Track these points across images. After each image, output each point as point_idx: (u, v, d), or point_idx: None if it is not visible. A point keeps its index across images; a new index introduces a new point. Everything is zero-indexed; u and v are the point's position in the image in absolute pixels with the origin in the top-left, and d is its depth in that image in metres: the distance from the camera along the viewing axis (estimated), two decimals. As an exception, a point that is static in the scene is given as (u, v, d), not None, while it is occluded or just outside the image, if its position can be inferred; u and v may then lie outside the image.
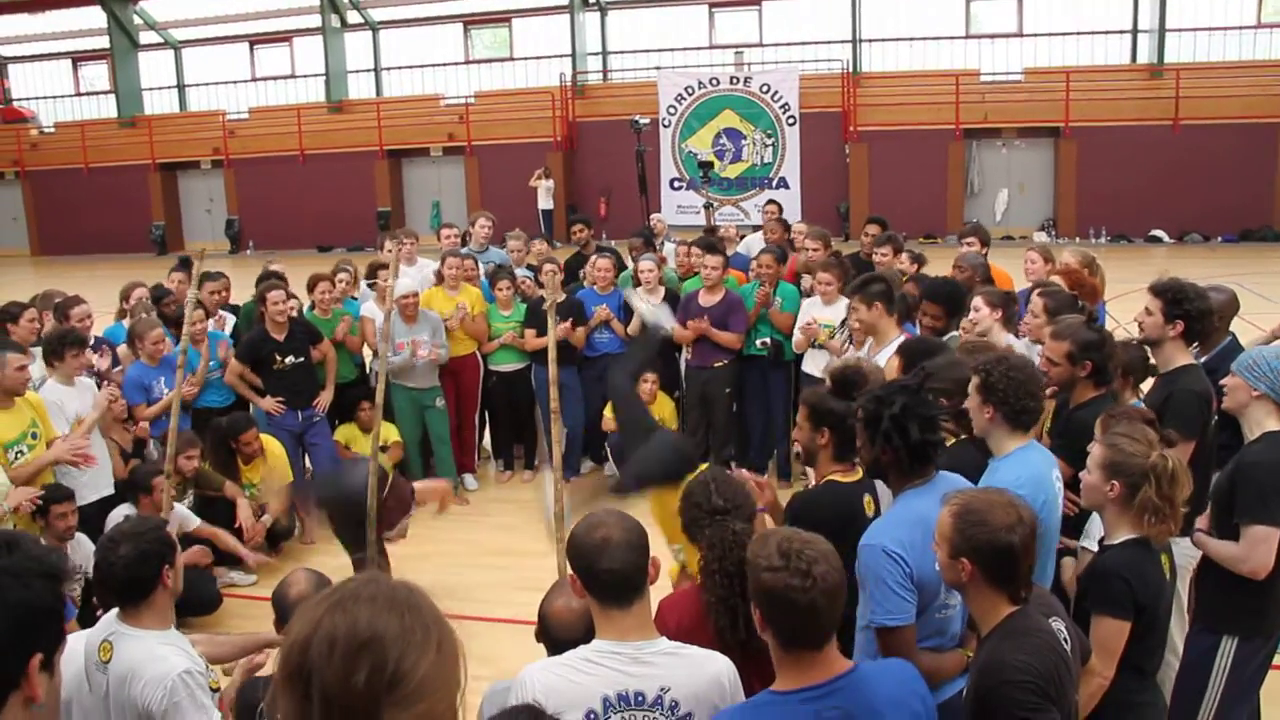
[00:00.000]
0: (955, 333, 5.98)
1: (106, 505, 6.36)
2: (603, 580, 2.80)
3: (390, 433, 8.47)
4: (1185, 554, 4.10)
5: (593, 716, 2.70)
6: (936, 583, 3.25)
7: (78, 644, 3.26)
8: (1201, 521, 4.10)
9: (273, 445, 7.68)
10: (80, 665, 3.25)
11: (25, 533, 1.46)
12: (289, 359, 8.04)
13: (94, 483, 6.32)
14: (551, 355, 5.34)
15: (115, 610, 3.32)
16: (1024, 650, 2.75)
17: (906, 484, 3.50)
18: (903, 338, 5.80)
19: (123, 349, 7.85)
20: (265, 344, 8.04)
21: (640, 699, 2.72)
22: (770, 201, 11.92)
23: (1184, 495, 3.37)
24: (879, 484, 3.91)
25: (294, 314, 8.27)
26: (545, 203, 24.95)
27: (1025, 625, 2.84)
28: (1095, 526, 3.91)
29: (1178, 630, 4.12)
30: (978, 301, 5.85)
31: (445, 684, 1.59)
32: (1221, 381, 4.19)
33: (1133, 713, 3.36)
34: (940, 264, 8.36)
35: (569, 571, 2.93)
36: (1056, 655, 2.81)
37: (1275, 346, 4.18)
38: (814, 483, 4.19)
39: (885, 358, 5.68)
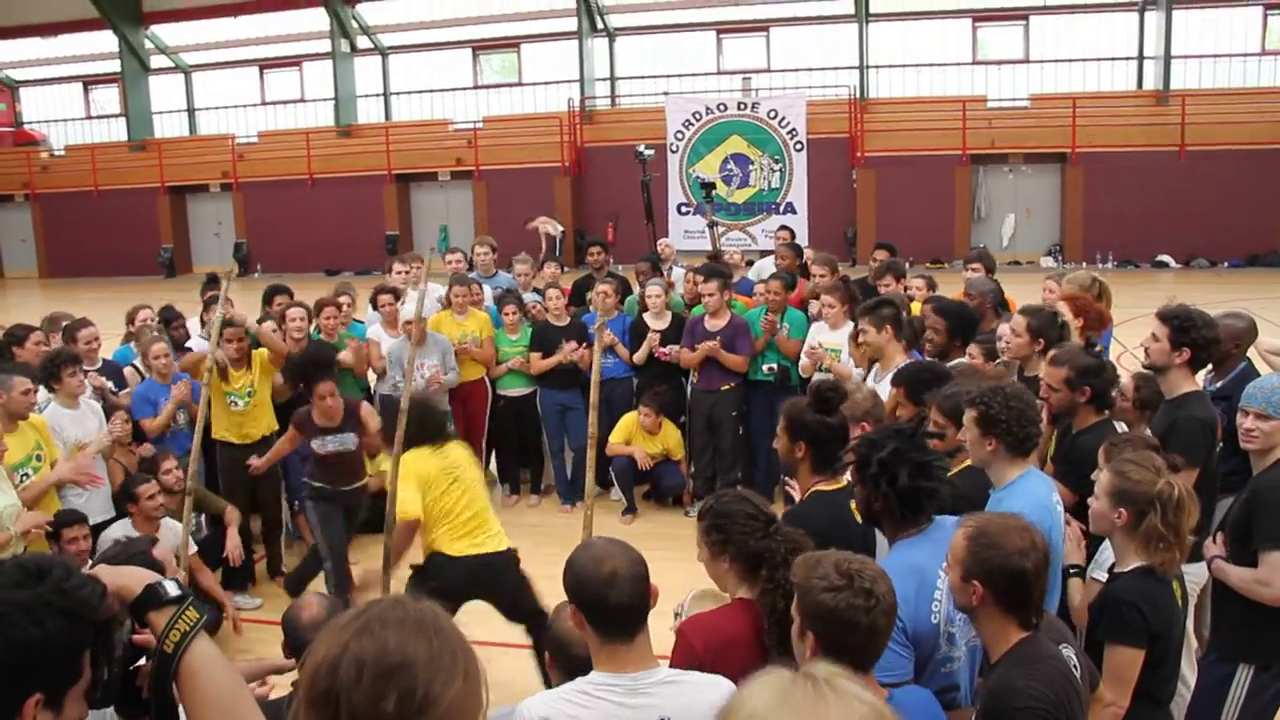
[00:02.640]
0: (962, 359, 5.95)
1: (106, 529, 6.25)
2: (613, 615, 2.73)
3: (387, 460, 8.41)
4: (1191, 580, 4.06)
5: None
6: (934, 635, 3.22)
7: None
8: (1213, 547, 4.06)
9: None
10: None
11: (65, 561, 1.40)
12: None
13: (93, 506, 6.24)
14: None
15: None
16: (1034, 677, 2.74)
17: (900, 532, 3.44)
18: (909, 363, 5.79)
19: (129, 371, 7.85)
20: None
21: None
22: (783, 227, 11.90)
23: (1191, 523, 3.36)
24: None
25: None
26: (553, 230, 24.37)
27: (1036, 652, 2.82)
28: (1105, 555, 3.88)
29: (1185, 660, 4.08)
30: (1003, 330, 5.79)
31: (471, 709, 1.59)
32: (1247, 426, 4.05)
33: None
34: (946, 289, 8.35)
35: (569, 604, 2.86)
36: (1067, 682, 2.79)
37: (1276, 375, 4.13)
38: (799, 496, 4.16)
39: (889, 384, 5.67)
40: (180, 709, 1.76)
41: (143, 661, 1.84)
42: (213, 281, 9.54)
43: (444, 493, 5.68)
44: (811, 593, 2.61)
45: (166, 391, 7.41)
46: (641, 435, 8.74)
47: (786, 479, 4.43)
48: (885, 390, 5.62)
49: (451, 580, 5.49)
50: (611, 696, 2.68)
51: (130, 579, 1.82)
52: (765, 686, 1.53)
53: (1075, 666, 2.89)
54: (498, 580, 5.69)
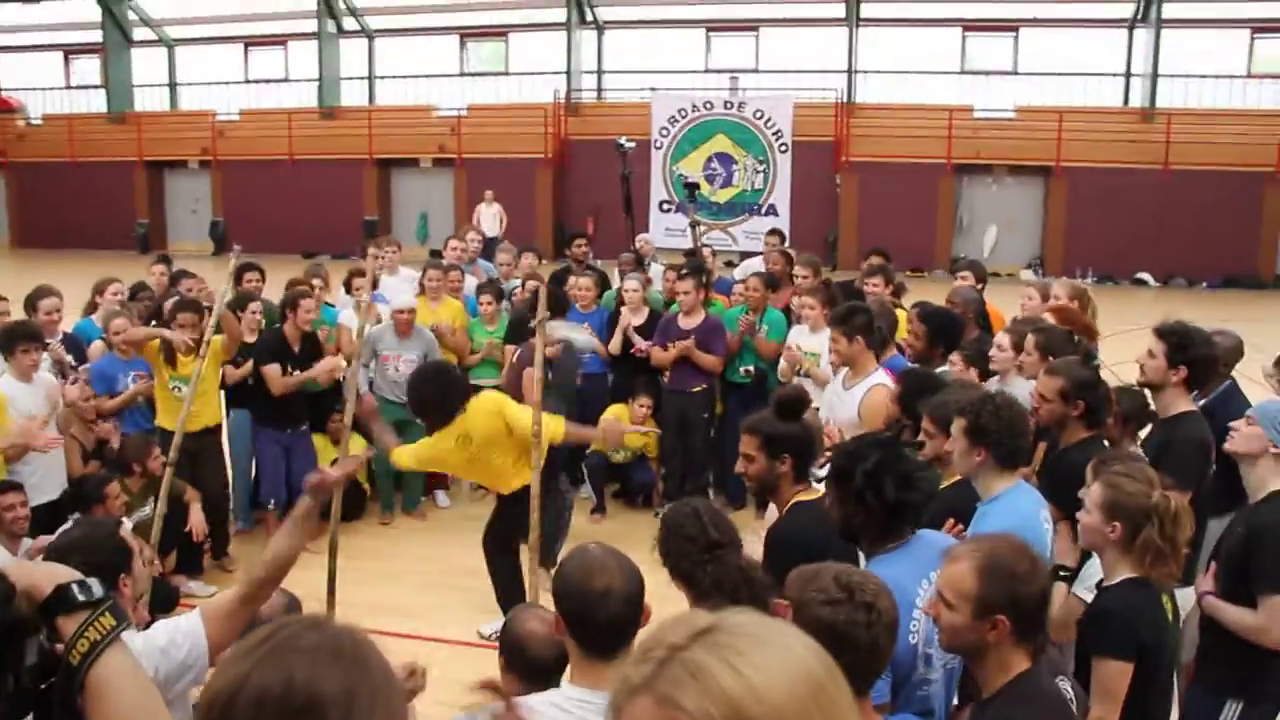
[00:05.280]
0: (945, 368, 5.87)
1: (57, 508, 6.01)
2: (596, 632, 2.57)
3: (358, 445, 8.26)
4: (1185, 603, 3.96)
5: None
6: (911, 657, 3.08)
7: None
8: (1204, 582, 3.95)
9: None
10: None
11: None
12: (296, 373, 7.78)
13: (43, 485, 5.99)
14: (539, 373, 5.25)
15: None
16: (1035, 716, 2.60)
17: (880, 548, 3.29)
18: (881, 371, 5.70)
19: (96, 345, 7.65)
20: (284, 352, 7.76)
21: None
22: (773, 231, 11.77)
23: (1186, 536, 3.25)
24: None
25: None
26: (490, 227, 21.12)
27: (1035, 690, 2.67)
28: (1091, 572, 3.77)
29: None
30: (1001, 339, 5.72)
31: None
32: (1232, 425, 4.03)
33: None
34: (924, 297, 8.27)
35: (552, 611, 2.70)
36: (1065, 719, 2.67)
37: None
38: (779, 512, 4.02)
39: (860, 394, 5.58)
40: None
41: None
42: (164, 259, 9.45)
43: (483, 461, 6.15)
44: (809, 607, 2.46)
45: (126, 368, 7.19)
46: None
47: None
48: (855, 399, 5.52)
49: (518, 505, 5.99)
50: (584, 714, 2.52)
51: (42, 578, 1.60)
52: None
53: (1072, 700, 2.77)
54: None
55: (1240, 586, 3.77)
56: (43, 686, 1.56)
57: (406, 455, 6.40)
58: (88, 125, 29.91)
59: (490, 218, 21.49)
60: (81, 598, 1.58)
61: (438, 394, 6.13)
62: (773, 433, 3.89)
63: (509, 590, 6.39)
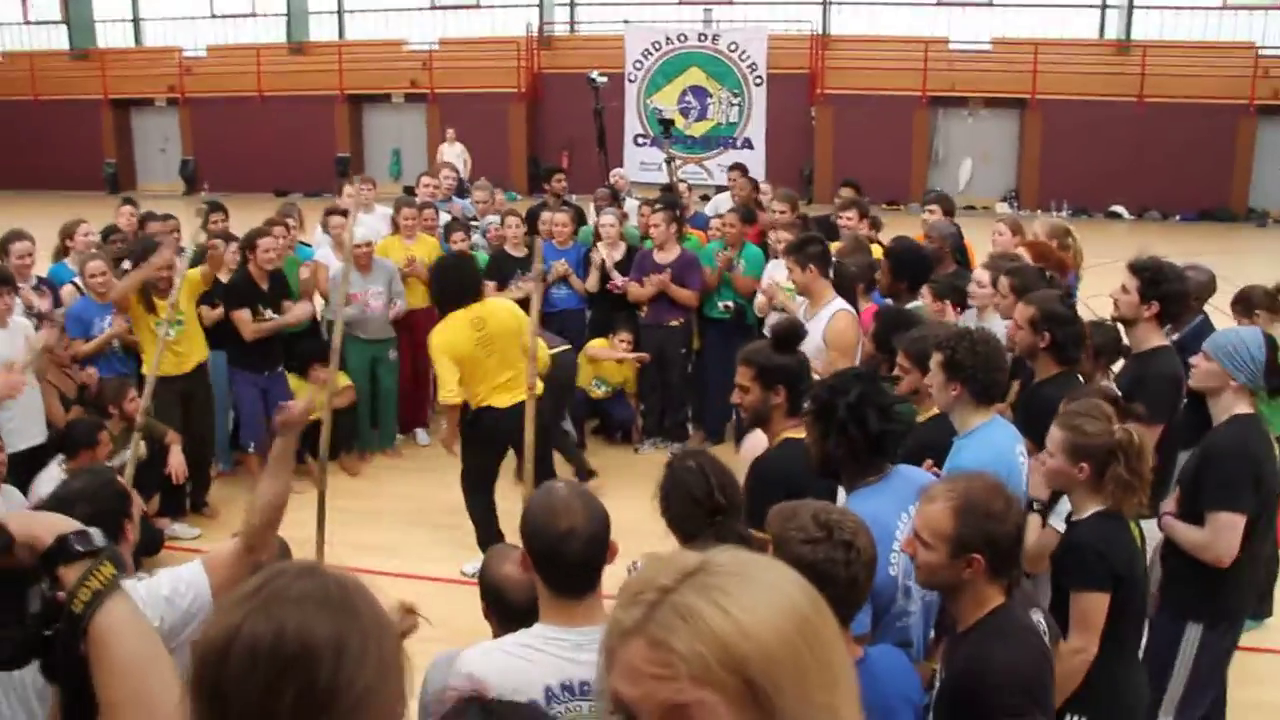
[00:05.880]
0: (918, 302, 5.91)
1: (37, 454, 6.00)
2: (562, 572, 2.59)
3: (340, 378, 8.25)
4: (1151, 536, 4.05)
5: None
6: (891, 588, 3.15)
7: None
8: (1169, 505, 4.05)
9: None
10: None
11: None
12: (268, 313, 7.74)
13: (23, 430, 5.97)
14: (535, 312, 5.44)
15: None
16: (1011, 650, 2.67)
17: (860, 480, 3.35)
18: (839, 301, 5.75)
19: (68, 289, 7.57)
20: (252, 293, 7.70)
21: (585, 688, 2.53)
22: (735, 166, 11.72)
23: (1149, 467, 3.33)
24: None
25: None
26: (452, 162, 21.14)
27: (1011, 623, 2.75)
28: (1064, 506, 3.85)
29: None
30: (980, 274, 5.76)
31: (385, 701, 1.40)
32: (1191, 360, 4.10)
33: (1116, 689, 3.29)
34: (900, 230, 8.31)
35: (519, 547, 2.73)
36: (1041, 655, 2.74)
37: (1252, 332, 4.08)
38: (768, 442, 4.07)
39: (822, 322, 5.63)
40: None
41: None
42: (129, 201, 9.38)
43: (480, 361, 6.26)
44: (789, 545, 2.50)
45: (102, 312, 7.11)
46: (603, 364, 8.60)
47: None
48: (819, 329, 5.55)
49: (503, 429, 6.18)
50: (558, 651, 2.55)
51: (42, 527, 1.60)
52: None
53: (1045, 632, 2.84)
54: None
55: (1194, 508, 3.90)
56: (46, 633, 1.58)
57: (446, 379, 6.34)
58: (49, 62, 29.29)
59: (454, 157, 20.10)
60: (80, 548, 1.58)
61: (457, 277, 6.53)
62: (768, 364, 3.95)
63: (485, 529, 6.50)
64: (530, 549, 2.65)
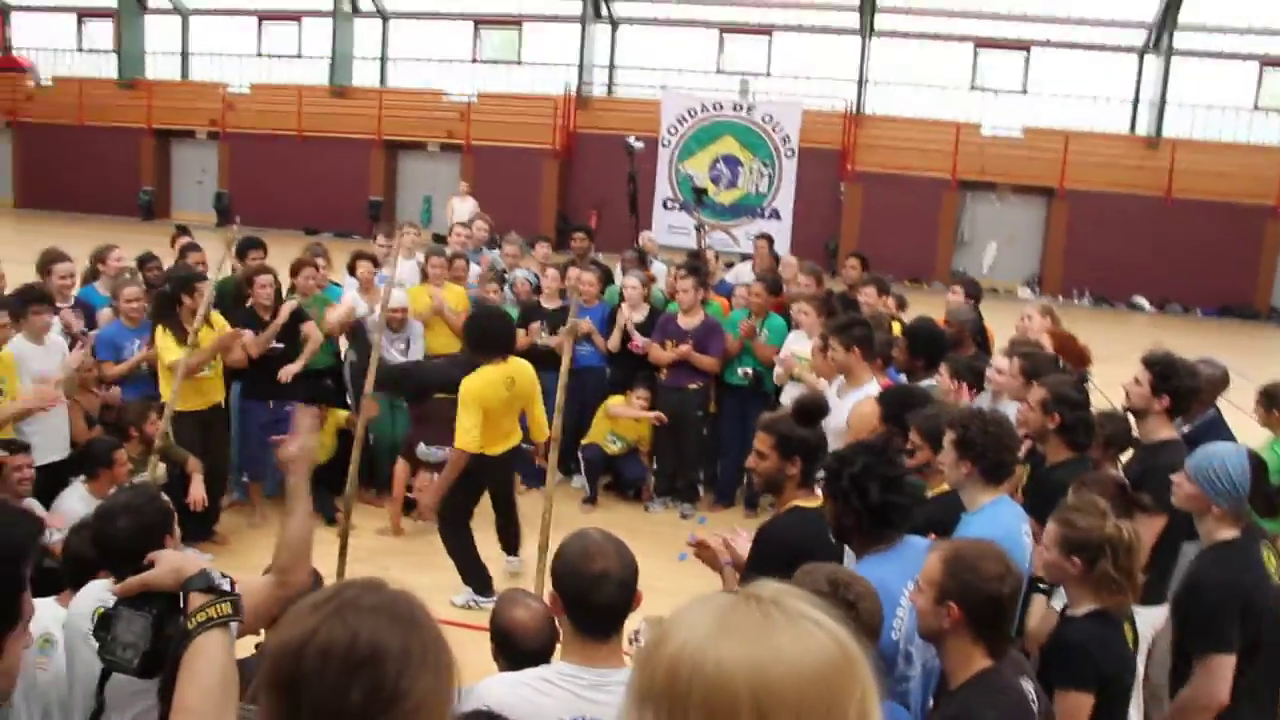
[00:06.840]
0: (932, 381, 5.98)
1: (58, 470, 6.10)
2: (591, 613, 2.68)
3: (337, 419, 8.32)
4: (1144, 623, 4.05)
5: None
6: (893, 652, 3.22)
7: (70, 614, 3.12)
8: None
9: None
10: (64, 637, 3.12)
11: None
12: (273, 346, 7.84)
13: (46, 445, 6.05)
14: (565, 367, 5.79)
15: (103, 580, 3.10)
16: (994, 707, 2.74)
17: (868, 549, 3.45)
18: (876, 383, 5.81)
19: (105, 312, 7.71)
20: (255, 328, 7.79)
21: None
22: (762, 235, 11.86)
23: (1141, 563, 3.35)
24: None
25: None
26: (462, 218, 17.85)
27: (997, 683, 2.83)
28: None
29: (1134, 710, 4.06)
30: (1000, 361, 5.78)
31: (440, 705, 1.53)
32: (1174, 477, 3.92)
33: None
34: (922, 309, 8.39)
35: (547, 590, 2.80)
36: (1025, 716, 2.79)
37: (1233, 452, 3.87)
38: (779, 510, 4.15)
39: (853, 401, 5.68)
40: None
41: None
42: (184, 230, 9.53)
43: (499, 416, 6.57)
44: None
45: (132, 336, 7.26)
46: (620, 421, 8.69)
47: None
48: (846, 408, 5.63)
49: (487, 475, 6.67)
50: (574, 688, 2.64)
51: (191, 564, 2.02)
52: (701, 611, 1.25)
53: (1034, 701, 2.90)
54: (509, 468, 7.06)
55: (1181, 641, 3.82)
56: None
57: (468, 426, 6.42)
58: (98, 89, 29.85)
59: (465, 213, 18.18)
60: (213, 584, 1.95)
61: (497, 329, 6.77)
62: (789, 434, 4.04)
63: (466, 561, 6.81)
64: (560, 589, 2.73)
